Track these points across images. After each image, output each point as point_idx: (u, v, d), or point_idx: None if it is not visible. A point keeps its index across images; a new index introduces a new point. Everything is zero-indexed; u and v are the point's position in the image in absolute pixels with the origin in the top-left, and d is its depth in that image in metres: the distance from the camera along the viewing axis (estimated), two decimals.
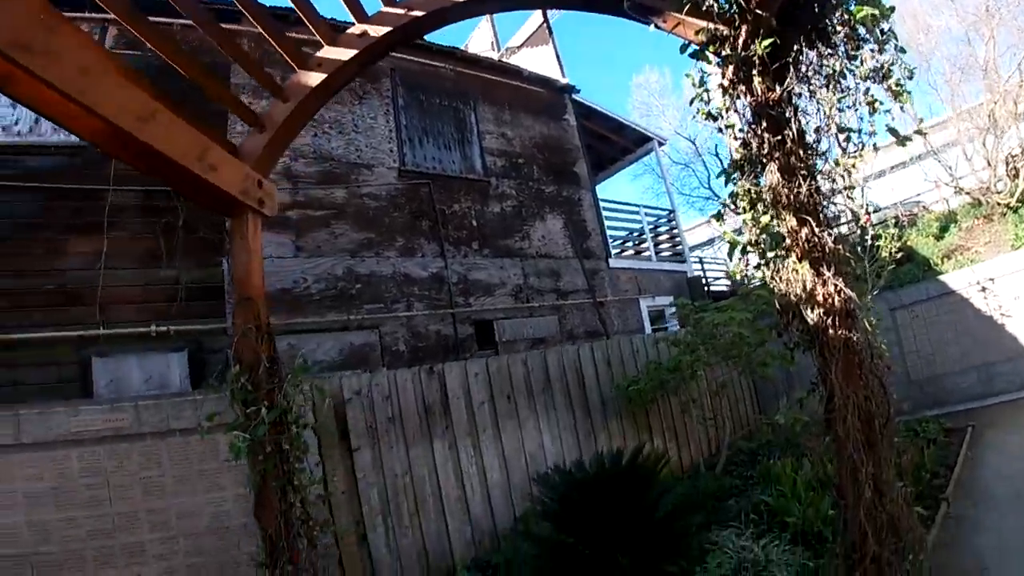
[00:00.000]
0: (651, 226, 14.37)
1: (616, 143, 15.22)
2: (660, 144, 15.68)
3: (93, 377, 6.51)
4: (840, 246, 3.44)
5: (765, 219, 3.41)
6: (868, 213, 11.26)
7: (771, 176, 3.28)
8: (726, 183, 3.55)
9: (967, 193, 12.59)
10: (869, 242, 7.65)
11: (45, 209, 6.73)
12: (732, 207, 3.71)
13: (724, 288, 15.70)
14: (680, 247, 14.62)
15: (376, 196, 8.76)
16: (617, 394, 7.48)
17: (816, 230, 3.34)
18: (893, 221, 14.58)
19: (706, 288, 14.90)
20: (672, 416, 8.16)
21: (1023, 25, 12.23)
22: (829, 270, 3.28)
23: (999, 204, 11.24)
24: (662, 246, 14.63)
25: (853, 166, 3.59)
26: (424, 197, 9.23)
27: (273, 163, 4.03)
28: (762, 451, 7.75)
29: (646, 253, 13.59)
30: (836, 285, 3.27)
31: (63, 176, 6.83)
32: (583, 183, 11.69)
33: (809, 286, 3.31)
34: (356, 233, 8.46)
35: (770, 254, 3.44)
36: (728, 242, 3.69)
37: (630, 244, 14.64)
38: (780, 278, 3.42)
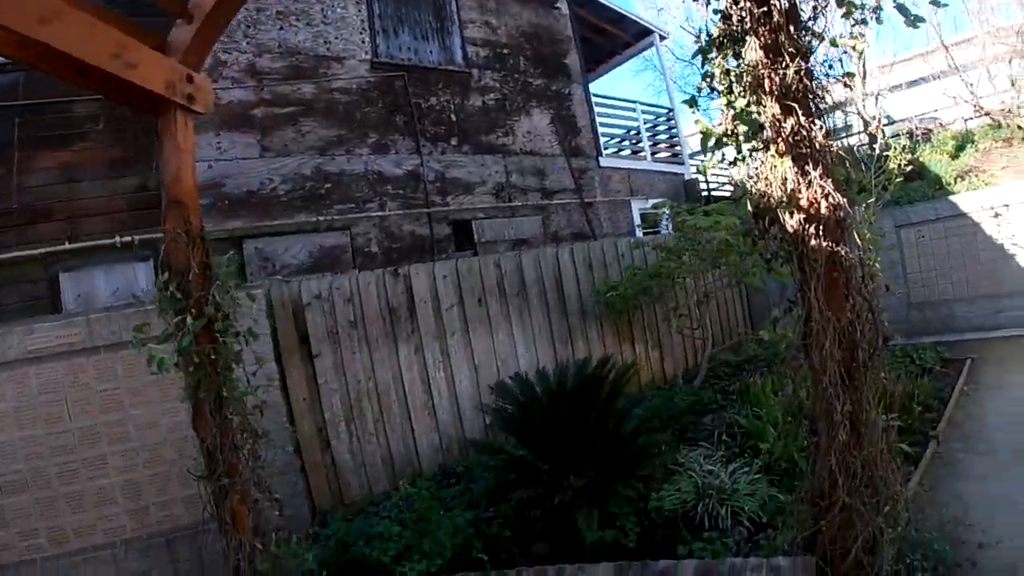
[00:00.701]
0: (649, 125, 13.67)
1: (615, 36, 14.21)
2: (662, 38, 14.66)
3: (61, 293, 6.35)
4: (833, 143, 3.01)
5: (741, 103, 2.95)
6: (878, 121, 10.63)
7: (752, 53, 2.78)
8: (703, 63, 3.06)
9: (987, 114, 11.83)
10: (877, 151, 7.12)
11: (4, 127, 6.36)
12: (708, 88, 3.24)
13: (727, 194, 15.15)
14: (679, 148, 13.97)
15: (347, 91, 8.14)
16: (598, 300, 7.18)
17: (803, 121, 2.89)
18: (906, 134, 13.95)
19: (706, 192, 14.35)
20: (656, 325, 7.87)
21: None
22: (816, 169, 2.85)
23: (1020, 128, 10.55)
24: (660, 147, 13.98)
25: (854, 48, 3.10)
26: (399, 90, 8.59)
27: (204, 55, 3.65)
28: (748, 366, 7.51)
29: (642, 153, 12.98)
30: (823, 188, 2.84)
31: (20, 92, 6.42)
32: (574, 76, 10.95)
33: (791, 187, 2.88)
34: (325, 130, 7.90)
35: (747, 146, 2.99)
36: (701, 132, 3.25)
37: (627, 144, 13.99)
38: (759, 176, 3.00)
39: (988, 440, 5.31)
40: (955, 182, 9.51)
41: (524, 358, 6.70)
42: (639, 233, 10.59)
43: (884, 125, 13.87)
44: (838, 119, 13.85)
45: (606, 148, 11.84)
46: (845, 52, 3.13)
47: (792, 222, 2.86)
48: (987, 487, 4.49)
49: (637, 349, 7.61)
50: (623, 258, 7.75)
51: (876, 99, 13.34)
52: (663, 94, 18.15)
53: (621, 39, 14.44)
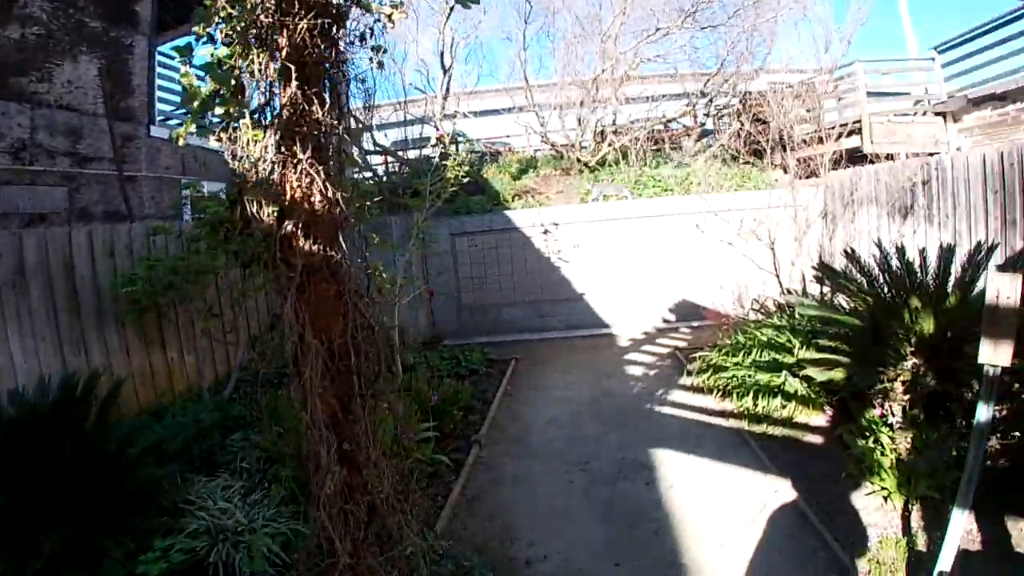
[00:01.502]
0: None
1: None
2: None
3: None
4: (342, 125, 2.43)
5: (223, 52, 2.20)
6: (442, 132, 11.02)
7: None
8: None
9: (553, 145, 13.34)
10: (436, 160, 7.13)
11: None
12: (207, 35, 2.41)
13: None
14: None
15: None
16: (116, 297, 5.75)
17: (309, 91, 2.26)
18: (477, 153, 15.00)
19: None
20: (194, 327, 6.69)
21: (656, 5, 12.39)
22: (307, 152, 2.23)
23: (579, 161, 12.07)
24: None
25: (390, 17, 2.57)
26: None
27: None
28: (288, 374, 6.80)
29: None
30: (316, 177, 2.24)
31: None
32: (142, 27, 9.00)
33: (275, 170, 2.22)
34: None
35: (219, 110, 2.23)
36: (183, 88, 2.39)
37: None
38: (240, 153, 2.26)
39: (530, 443, 5.51)
40: (513, 199, 10.38)
41: (24, 369, 4.98)
42: (187, 218, 9.13)
43: (459, 142, 14.78)
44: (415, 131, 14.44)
45: (165, 119, 10.06)
46: (379, 20, 2.59)
47: (266, 214, 2.16)
48: (532, 492, 4.54)
49: (170, 355, 6.35)
50: (155, 246, 6.40)
51: (454, 117, 14.12)
52: None
53: None
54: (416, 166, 11.32)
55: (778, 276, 7.65)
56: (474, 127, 16.30)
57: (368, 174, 12.19)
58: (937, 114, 9.54)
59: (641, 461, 4.87)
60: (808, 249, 8.55)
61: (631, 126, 12.71)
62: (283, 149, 2.24)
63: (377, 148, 14.06)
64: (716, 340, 6.90)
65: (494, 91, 17.05)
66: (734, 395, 5.68)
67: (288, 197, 2.23)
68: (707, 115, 13.60)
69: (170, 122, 9.98)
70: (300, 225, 2.23)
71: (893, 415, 4.14)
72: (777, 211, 7.88)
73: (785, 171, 9.59)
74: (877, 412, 4.20)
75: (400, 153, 14.04)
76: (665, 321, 9.84)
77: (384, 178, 13.84)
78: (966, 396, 3.87)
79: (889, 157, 8.26)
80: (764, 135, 9.78)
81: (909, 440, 3.94)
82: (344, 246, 2.41)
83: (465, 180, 6.54)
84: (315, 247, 2.28)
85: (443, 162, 6.62)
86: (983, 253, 4.29)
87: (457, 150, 15.29)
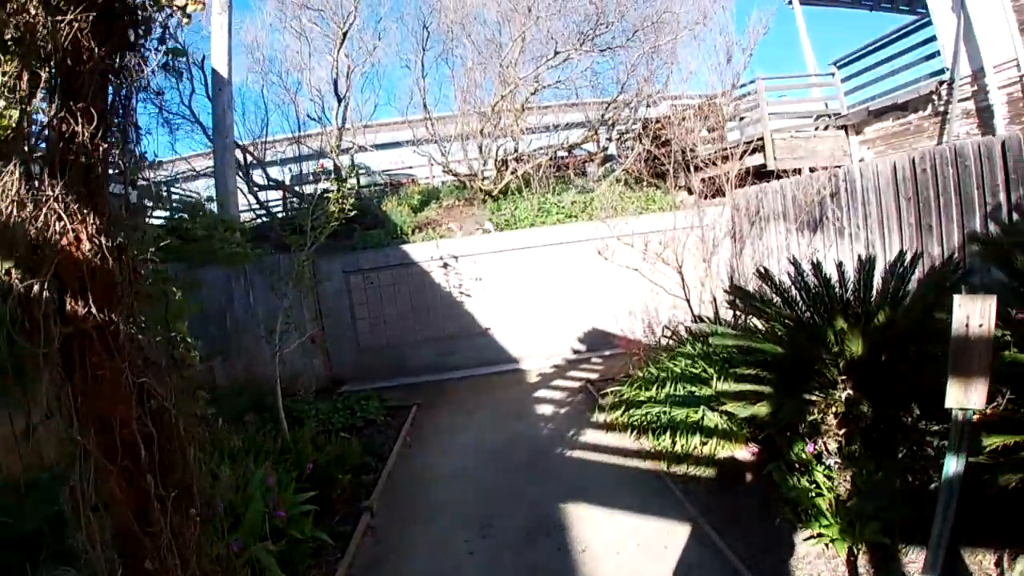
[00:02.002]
0: None
1: None
2: None
3: None
4: (118, 150, 1.88)
5: None
6: (337, 163, 10.41)
7: None
8: None
9: (455, 175, 12.92)
10: (317, 192, 6.51)
11: None
12: None
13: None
14: None
15: None
16: None
17: (71, 104, 1.72)
18: (377, 185, 14.39)
19: None
20: None
21: (556, 30, 11.86)
22: (70, 186, 1.68)
23: (482, 191, 11.66)
24: None
25: (184, 9, 2.06)
26: None
27: None
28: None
29: None
30: (88, 215, 1.68)
31: None
32: None
33: (26, 210, 1.65)
34: None
35: None
36: None
37: None
38: None
39: (430, 502, 4.91)
40: (413, 232, 9.85)
41: None
42: None
43: (360, 174, 14.16)
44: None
45: None
46: (173, 15, 2.07)
47: (3, 270, 1.59)
48: (430, 566, 3.96)
49: None
50: None
51: (351, 150, 13.56)
52: None
53: None
54: (312, 201, 10.68)
55: (688, 300, 7.42)
56: (376, 159, 15.74)
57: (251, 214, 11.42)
58: (839, 127, 9.75)
59: (553, 519, 4.37)
60: (717, 270, 8.42)
61: (534, 154, 12.48)
62: (37, 183, 1.68)
63: (271, 183, 13.27)
64: (628, 370, 6.57)
65: (395, 123, 16.60)
66: (650, 433, 5.31)
67: (45, 245, 1.66)
68: (610, 139, 13.57)
69: None
70: (70, 282, 1.67)
71: (828, 452, 3.83)
72: (683, 232, 7.70)
73: (690, 192, 9.51)
74: (810, 448, 3.88)
75: (297, 188, 13.33)
76: (575, 352, 9.50)
77: (284, 214, 13.06)
78: (906, 421, 3.61)
79: (795, 172, 8.28)
80: (667, 157, 9.69)
81: (849, 479, 3.63)
82: (134, 305, 1.85)
83: (352, 213, 5.96)
84: (86, 310, 1.71)
85: (326, 195, 6.05)
86: (906, 263, 4.11)
87: (358, 182, 14.69)
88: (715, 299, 7.39)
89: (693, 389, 5.24)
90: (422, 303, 9.32)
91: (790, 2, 11.48)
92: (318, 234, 5.70)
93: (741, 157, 9.18)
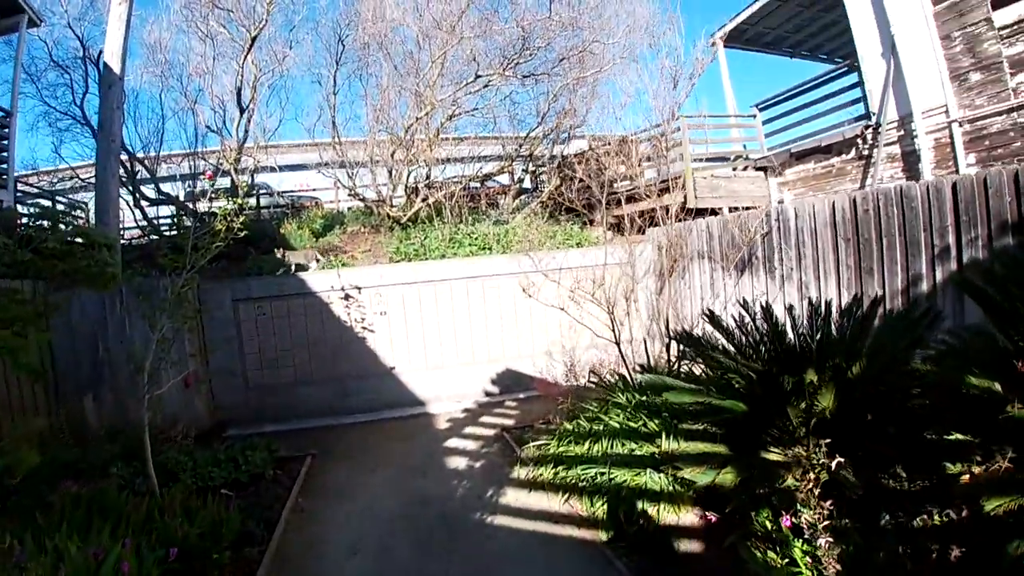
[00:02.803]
0: None
1: None
2: (35, 23, 10.67)
3: None
4: None
5: None
6: (208, 172, 9.43)
7: None
8: None
9: (363, 200, 12.07)
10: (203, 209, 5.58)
11: None
12: None
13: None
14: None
15: None
16: None
17: None
18: (278, 204, 13.36)
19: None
20: None
21: (479, 51, 11.37)
22: None
23: (390, 217, 10.90)
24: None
25: None
26: None
27: None
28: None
29: None
30: None
31: None
32: None
33: None
34: None
35: None
36: None
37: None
38: None
39: None
40: (315, 260, 8.89)
41: None
42: None
43: (261, 193, 13.09)
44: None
45: None
46: None
47: None
48: None
49: None
50: None
51: (255, 170, 12.52)
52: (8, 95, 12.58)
53: None
54: (199, 217, 9.53)
55: (618, 342, 6.85)
56: (280, 180, 14.69)
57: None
58: (758, 169, 9.67)
59: None
60: (638, 309, 7.96)
61: (447, 182, 11.80)
62: None
63: (162, 197, 11.93)
64: (547, 415, 5.90)
65: (302, 145, 15.61)
66: (586, 497, 4.61)
67: None
68: (525, 171, 13.14)
69: None
70: None
71: (808, 526, 3.22)
72: (609, 269, 7.18)
73: (609, 228, 9.11)
74: (786, 522, 3.26)
75: (190, 205, 12.01)
76: (488, 394, 8.75)
77: (173, 232, 11.80)
78: (888, 485, 3.10)
79: (713, 212, 8.03)
80: (585, 193, 9.29)
81: (835, 559, 3.03)
82: None
83: (243, 234, 5.01)
84: None
85: (212, 209, 5.10)
86: (864, 308, 3.70)
87: (258, 202, 13.52)
88: (644, 339, 6.88)
89: (634, 447, 4.60)
90: (320, 338, 8.31)
91: (713, 44, 11.55)
92: (201, 255, 4.72)
93: (660, 194, 8.89)
